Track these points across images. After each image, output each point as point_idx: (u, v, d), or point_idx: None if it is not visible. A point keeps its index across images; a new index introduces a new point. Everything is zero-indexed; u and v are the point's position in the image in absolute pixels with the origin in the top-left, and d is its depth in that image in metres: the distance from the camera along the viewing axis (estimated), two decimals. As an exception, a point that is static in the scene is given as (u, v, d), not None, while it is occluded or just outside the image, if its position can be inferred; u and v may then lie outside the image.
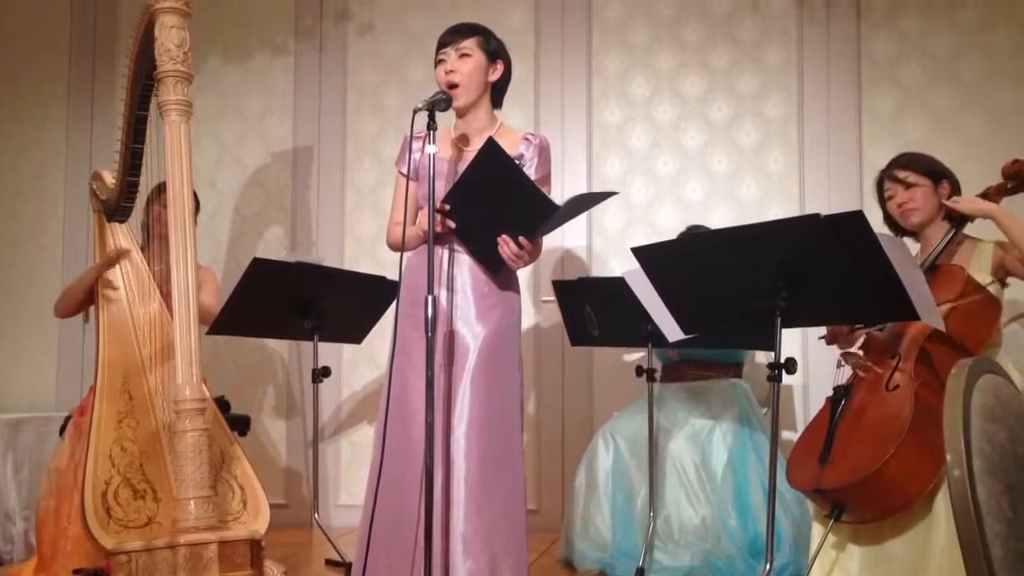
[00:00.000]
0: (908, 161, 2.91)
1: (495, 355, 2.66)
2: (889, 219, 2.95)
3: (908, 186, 2.84)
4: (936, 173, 2.87)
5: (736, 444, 3.42)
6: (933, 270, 2.72)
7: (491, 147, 2.52)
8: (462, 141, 2.76)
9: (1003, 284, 2.76)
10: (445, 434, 2.59)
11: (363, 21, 4.75)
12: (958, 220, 2.80)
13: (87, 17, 4.99)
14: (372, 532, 2.57)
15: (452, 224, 2.61)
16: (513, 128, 2.90)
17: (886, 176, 2.92)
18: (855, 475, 2.43)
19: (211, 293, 3.53)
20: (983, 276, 2.70)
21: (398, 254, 2.66)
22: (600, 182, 4.42)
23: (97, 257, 3.23)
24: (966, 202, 2.76)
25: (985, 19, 4.20)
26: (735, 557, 3.22)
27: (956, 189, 2.87)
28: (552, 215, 2.60)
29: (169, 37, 2.54)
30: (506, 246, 2.59)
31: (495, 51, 2.75)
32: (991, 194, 2.80)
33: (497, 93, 2.81)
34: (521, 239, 2.59)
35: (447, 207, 2.59)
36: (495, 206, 2.61)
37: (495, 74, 2.75)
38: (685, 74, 4.44)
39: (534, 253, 2.69)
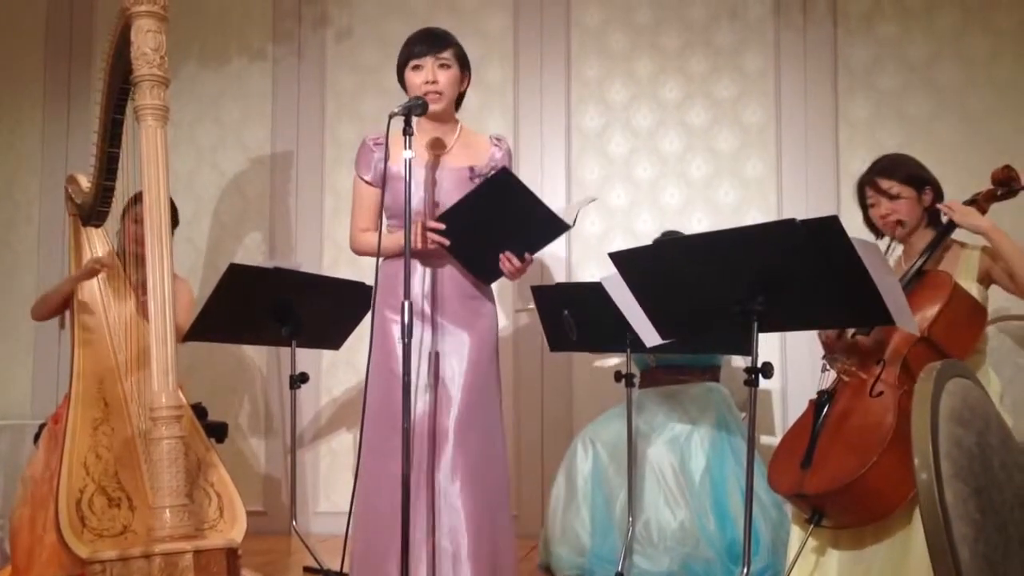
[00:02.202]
0: (889, 167, 2.84)
1: (485, 361, 2.71)
2: (870, 223, 2.91)
3: (892, 197, 2.79)
4: (918, 179, 2.82)
5: (714, 448, 3.43)
6: (920, 276, 2.70)
7: (506, 176, 2.57)
8: (429, 144, 2.78)
9: (987, 288, 2.75)
10: (432, 445, 2.63)
11: (341, 26, 4.74)
12: (945, 226, 2.76)
13: (62, 19, 4.95)
14: (364, 540, 2.62)
15: (446, 242, 2.62)
16: (474, 131, 2.91)
17: (867, 184, 2.86)
18: (837, 481, 2.43)
19: (182, 310, 3.48)
20: (969, 282, 2.69)
21: (375, 260, 2.67)
22: (579, 188, 4.43)
23: (72, 261, 3.20)
24: (961, 213, 2.70)
25: (961, 26, 4.23)
26: (713, 560, 3.22)
27: (938, 193, 2.83)
28: (561, 232, 2.64)
29: (145, 41, 2.52)
30: (508, 263, 2.65)
31: (465, 62, 2.80)
32: (980, 200, 2.78)
33: (459, 99, 2.87)
34: (526, 255, 2.65)
35: (441, 226, 2.60)
36: (500, 227, 2.63)
37: (465, 84, 2.82)
38: (663, 80, 4.46)
39: (530, 264, 2.75)
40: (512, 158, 2.86)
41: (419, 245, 2.59)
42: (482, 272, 2.72)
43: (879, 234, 2.90)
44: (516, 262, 2.64)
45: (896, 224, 2.81)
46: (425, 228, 2.61)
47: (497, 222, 2.61)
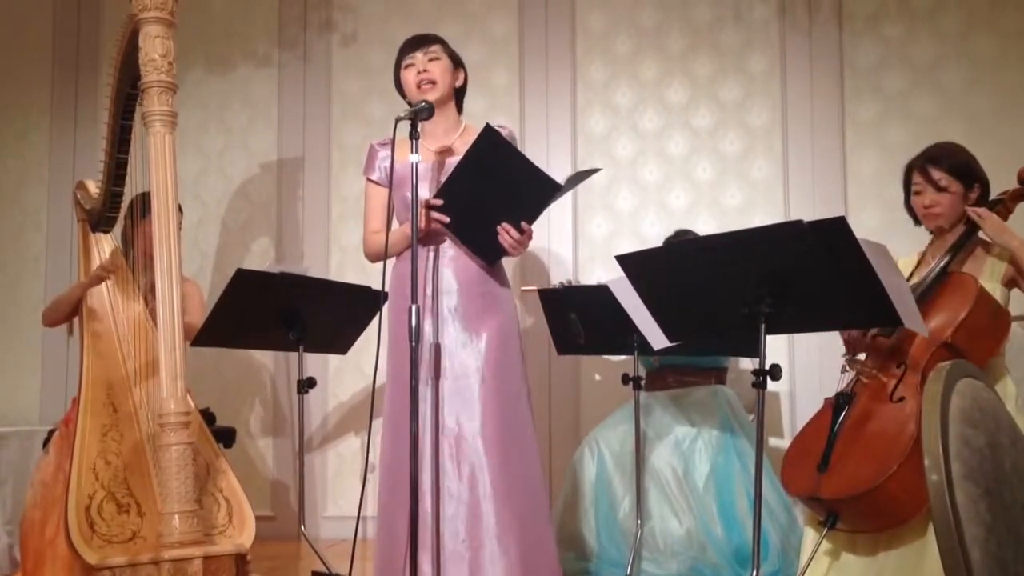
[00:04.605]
0: (943, 156, 2.76)
1: (503, 355, 2.71)
2: (909, 208, 2.85)
3: (939, 189, 2.72)
4: (970, 175, 2.74)
5: (719, 453, 3.42)
6: (943, 277, 2.65)
7: (489, 133, 2.56)
8: (433, 143, 2.80)
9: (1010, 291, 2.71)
10: (436, 441, 2.62)
11: (347, 31, 4.75)
12: (972, 227, 2.71)
13: (69, 27, 4.97)
14: (388, 543, 2.63)
15: (444, 219, 2.62)
16: (476, 128, 2.93)
17: (917, 169, 2.79)
18: (854, 488, 2.41)
19: (195, 310, 3.49)
20: (993, 284, 2.65)
21: (382, 263, 2.67)
22: (585, 190, 4.43)
23: (81, 267, 3.21)
24: (991, 225, 2.64)
25: (966, 27, 4.23)
26: (721, 566, 3.22)
27: (986, 192, 2.77)
28: (556, 193, 2.62)
29: (153, 47, 2.52)
30: (507, 234, 2.63)
31: (457, 58, 2.88)
32: (1006, 200, 2.73)
33: (459, 98, 2.91)
34: (523, 224, 2.63)
35: (437, 202, 2.60)
36: (494, 193, 2.62)
37: (459, 79, 2.88)
38: (669, 83, 4.46)
39: (530, 237, 2.72)
40: (517, 144, 2.86)
41: (422, 224, 2.59)
42: (484, 249, 2.70)
43: (917, 220, 2.85)
44: (514, 233, 2.62)
45: (936, 217, 2.75)
46: (426, 206, 2.62)
47: (489, 188, 2.61)
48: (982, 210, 2.68)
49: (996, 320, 2.59)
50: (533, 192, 2.62)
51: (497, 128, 2.81)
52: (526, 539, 2.58)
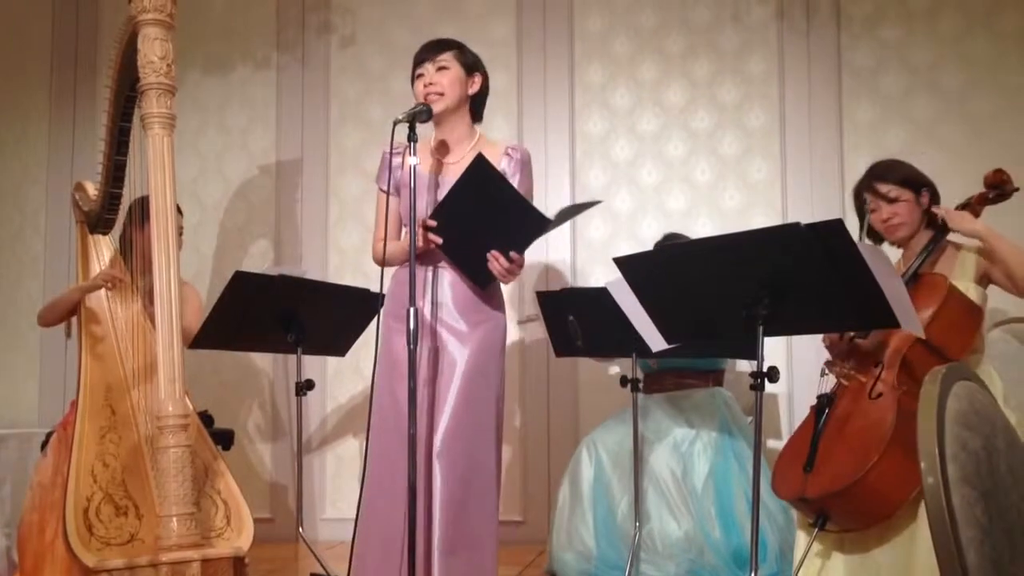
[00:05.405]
0: (886, 171, 2.86)
1: (478, 374, 2.70)
2: (870, 231, 2.91)
3: (891, 201, 2.80)
4: (916, 182, 2.83)
5: (718, 455, 3.42)
6: (915, 279, 2.70)
7: (479, 164, 2.55)
8: (442, 152, 2.79)
9: (985, 287, 2.76)
10: (429, 448, 2.62)
11: (345, 33, 4.76)
12: (941, 227, 2.77)
13: (68, 30, 4.97)
14: (364, 544, 2.61)
15: (438, 240, 2.63)
16: (493, 140, 2.92)
17: (865, 189, 2.87)
18: (837, 483, 2.43)
19: (192, 315, 3.48)
20: (965, 283, 2.69)
21: (381, 267, 2.68)
22: (583, 193, 4.43)
23: (80, 268, 3.22)
24: (955, 219, 2.71)
25: (964, 29, 4.23)
26: (720, 567, 3.22)
27: (935, 195, 2.85)
28: (545, 229, 2.63)
29: (152, 49, 2.53)
30: (496, 262, 2.63)
31: (472, 64, 2.82)
32: (973, 204, 2.78)
33: (476, 106, 2.87)
34: (512, 254, 2.62)
35: (432, 223, 2.61)
36: (484, 222, 2.63)
37: (473, 86, 2.82)
38: (667, 84, 4.47)
39: (520, 266, 2.72)
40: (525, 167, 2.84)
41: (420, 243, 2.60)
42: (474, 273, 2.71)
43: (879, 240, 2.91)
44: (504, 261, 2.63)
45: (898, 227, 2.82)
46: (423, 227, 2.63)
47: (480, 217, 2.62)
48: (944, 207, 2.76)
49: (968, 315, 2.64)
50: (523, 225, 2.63)
51: (510, 150, 2.82)
52: (470, 550, 2.61)
